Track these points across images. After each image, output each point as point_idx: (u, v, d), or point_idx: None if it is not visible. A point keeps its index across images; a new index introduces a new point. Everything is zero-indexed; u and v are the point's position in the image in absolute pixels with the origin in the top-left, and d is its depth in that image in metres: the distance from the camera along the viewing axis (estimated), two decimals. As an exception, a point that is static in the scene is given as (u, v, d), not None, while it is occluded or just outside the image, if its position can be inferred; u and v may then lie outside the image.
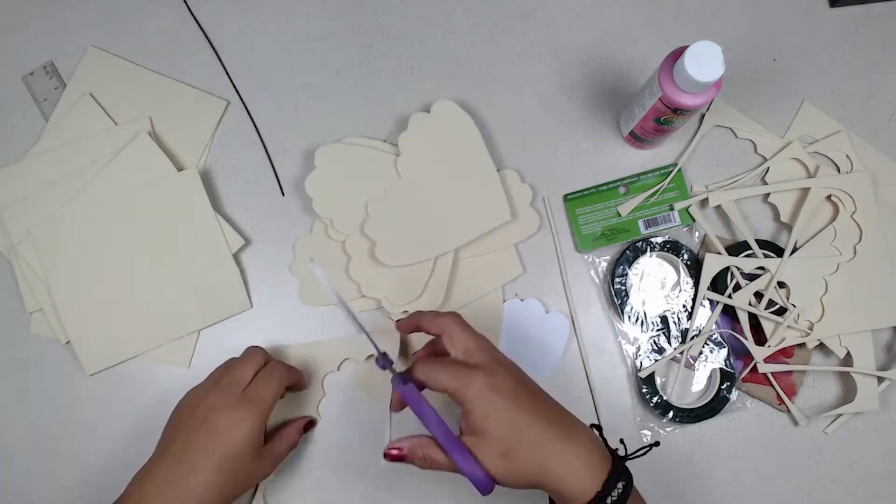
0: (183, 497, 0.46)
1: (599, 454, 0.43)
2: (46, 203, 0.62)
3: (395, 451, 0.45)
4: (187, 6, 0.66)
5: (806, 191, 0.62)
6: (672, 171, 0.62)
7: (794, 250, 0.61)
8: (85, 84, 0.64)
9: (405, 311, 0.60)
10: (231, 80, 0.65)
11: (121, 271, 0.61)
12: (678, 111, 0.53)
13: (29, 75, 0.65)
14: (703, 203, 0.63)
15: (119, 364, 0.61)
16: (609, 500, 0.42)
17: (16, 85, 0.65)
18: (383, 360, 0.47)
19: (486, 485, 0.43)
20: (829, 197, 0.62)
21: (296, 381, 0.56)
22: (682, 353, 0.60)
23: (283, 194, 0.63)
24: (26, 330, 0.62)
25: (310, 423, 0.58)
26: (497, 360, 0.46)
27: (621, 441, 0.49)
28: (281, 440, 0.54)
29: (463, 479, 0.43)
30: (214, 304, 0.61)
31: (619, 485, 0.42)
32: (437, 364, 0.45)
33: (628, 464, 0.45)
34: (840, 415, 0.60)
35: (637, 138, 0.62)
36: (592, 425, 0.47)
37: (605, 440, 0.46)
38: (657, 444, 0.50)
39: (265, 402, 0.50)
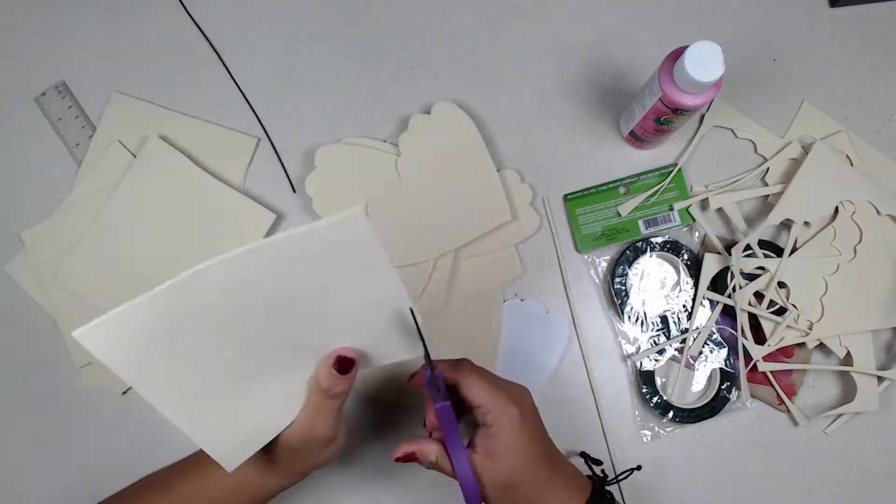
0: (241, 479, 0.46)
1: (578, 486, 0.46)
2: (80, 255, 0.62)
3: (406, 454, 0.46)
4: (184, 7, 0.66)
5: (806, 191, 0.62)
6: (672, 172, 0.62)
7: (794, 250, 0.61)
8: (112, 130, 0.64)
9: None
10: (234, 80, 0.65)
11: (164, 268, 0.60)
12: (678, 111, 0.53)
13: (41, 96, 0.65)
14: (703, 203, 0.63)
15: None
16: None
17: (28, 106, 0.65)
18: (432, 377, 0.45)
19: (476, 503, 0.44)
20: (829, 197, 0.62)
21: None
22: (681, 352, 0.60)
23: (294, 191, 0.63)
24: (77, 383, 0.62)
25: (345, 361, 0.43)
26: (530, 399, 0.47)
27: (602, 470, 0.51)
28: (308, 400, 0.45)
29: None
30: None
31: None
32: (485, 377, 0.45)
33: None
34: (840, 415, 0.60)
35: (637, 138, 0.62)
36: (581, 454, 0.50)
37: (591, 463, 0.49)
38: (639, 468, 0.53)
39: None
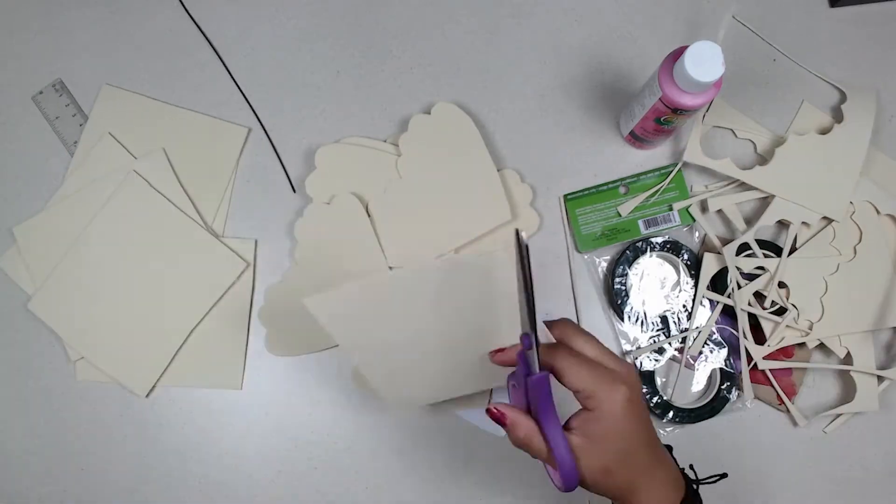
0: None
1: (676, 480, 0.45)
2: (52, 284, 0.62)
3: (498, 413, 0.44)
4: (184, 7, 0.66)
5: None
6: (672, 172, 0.62)
7: (794, 250, 0.61)
8: (103, 123, 0.64)
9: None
10: (234, 80, 0.65)
11: (135, 303, 0.62)
12: (678, 111, 0.53)
13: (38, 94, 0.64)
14: (703, 203, 0.63)
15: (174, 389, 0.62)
16: None
17: (26, 105, 0.65)
18: (528, 341, 0.44)
19: (572, 488, 0.43)
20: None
21: None
22: (681, 352, 0.60)
23: (294, 191, 0.63)
24: (73, 378, 0.62)
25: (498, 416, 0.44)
26: (636, 378, 0.45)
27: (691, 467, 0.50)
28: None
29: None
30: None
31: None
32: (582, 361, 0.43)
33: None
34: (840, 414, 0.60)
35: (637, 138, 0.62)
36: (666, 446, 0.47)
37: (675, 460, 0.47)
38: (725, 475, 0.51)
39: None
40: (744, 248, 0.61)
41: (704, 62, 0.49)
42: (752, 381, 0.60)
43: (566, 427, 0.43)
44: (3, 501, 0.60)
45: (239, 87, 0.65)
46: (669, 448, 0.47)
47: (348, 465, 0.60)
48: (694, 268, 0.61)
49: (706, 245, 0.62)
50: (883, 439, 0.61)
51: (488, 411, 0.44)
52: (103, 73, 0.65)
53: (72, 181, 0.63)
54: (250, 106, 0.65)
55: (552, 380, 0.43)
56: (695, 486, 0.46)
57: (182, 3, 0.66)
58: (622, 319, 0.61)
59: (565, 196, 0.63)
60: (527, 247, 0.43)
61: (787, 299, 0.60)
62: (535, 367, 0.42)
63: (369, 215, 0.61)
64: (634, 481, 0.43)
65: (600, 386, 0.42)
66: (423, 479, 0.60)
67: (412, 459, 0.60)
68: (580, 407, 0.43)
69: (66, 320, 0.61)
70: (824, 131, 0.63)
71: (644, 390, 0.59)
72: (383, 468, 0.60)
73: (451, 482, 0.60)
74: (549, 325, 0.45)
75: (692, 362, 0.60)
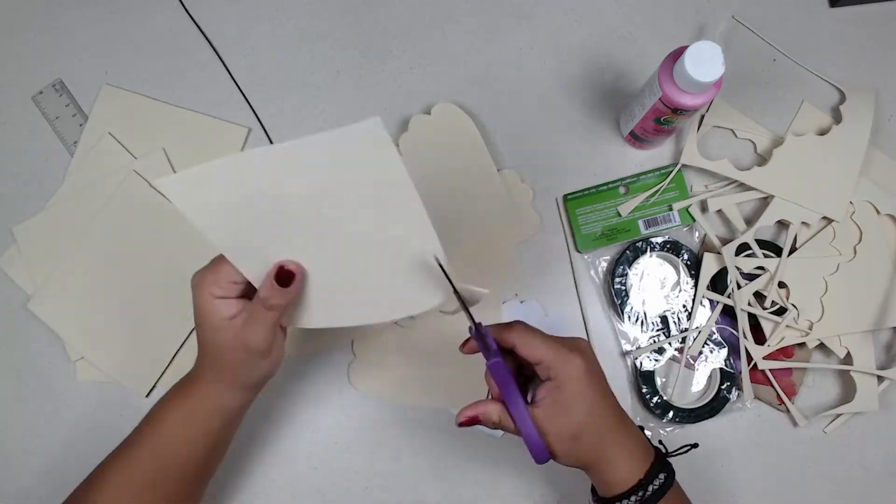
0: (190, 388, 0.48)
1: (645, 448, 0.46)
2: (52, 284, 0.62)
3: (468, 420, 0.45)
4: (184, 7, 0.66)
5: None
6: (672, 172, 0.62)
7: (794, 250, 0.61)
8: (103, 123, 0.64)
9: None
10: (234, 80, 0.65)
11: (135, 303, 0.62)
12: (678, 111, 0.53)
13: (38, 94, 0.65)
14: (703, 203, 0.62)
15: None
16: (650, 489, 0.44)
17: (26, 105, 0.65)
18: (477, 333, 0.45)
19: (543, 459, 0.45)
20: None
21: None
22: (681, 352, 0.60)
23: None
24: (73, 378, 0.62)
25: (286, 270, 0.42)
26: (590, 348, 0.47)
27: (660, 441, 0.51)
28: (247, 307, 0.44)
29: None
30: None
31: (661, 475, 0.45)
32: (537, 334, 0.45)
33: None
34: (840, 414, 0.60)
35: (637, 138, 0.62)
36: (640, 427, 0.49)
37: (648, 440, 0.48)
38: (696, 445, 0.52)
39: (211, 276, 0.44)
40: (744, 248, 0.61)
41: (704, 62, 0.49)
42: (752, 381, 0.60)
43: (533, 401, 0.45)
44: (3, 501, 0.60)
45: (239, 87, 0.65)
46: (641, 428, 0.49)
47: (348, 465, 0.60)
48: (694, 268, 0.61)
49: (706, 245, 0.62)
50: (883, 439, 0.61)
51: (460, 425, 0.46)
52: (103, 72, 0.65)
53: (72, 181, 0.63)
54: (250, 106, 0.65)
55: None
56: (663, 454, 0.48)
57: (182, 3, 0.66)
58: (622, 319, 0.61)
59: (565, 196, 0.63)
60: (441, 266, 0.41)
61: (787, 299, 0.60)
62: (488, 357, 0.44)
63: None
64: (603, 446, 0.45)
65: (557, 355, 0.44)
66: (423, 479, 0.60)
67: (412, 459, 0.60)
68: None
69: (65, 320, 0.61)
70: (824, 131, 0.63)
71: (644, 390, 0.59)
72: (383, 468, 0.60)
73: (452, 482, 0.60)
74: (503, 327, 0.46)
75: (692, 362, 0.60)
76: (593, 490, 0.48)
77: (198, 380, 0.47)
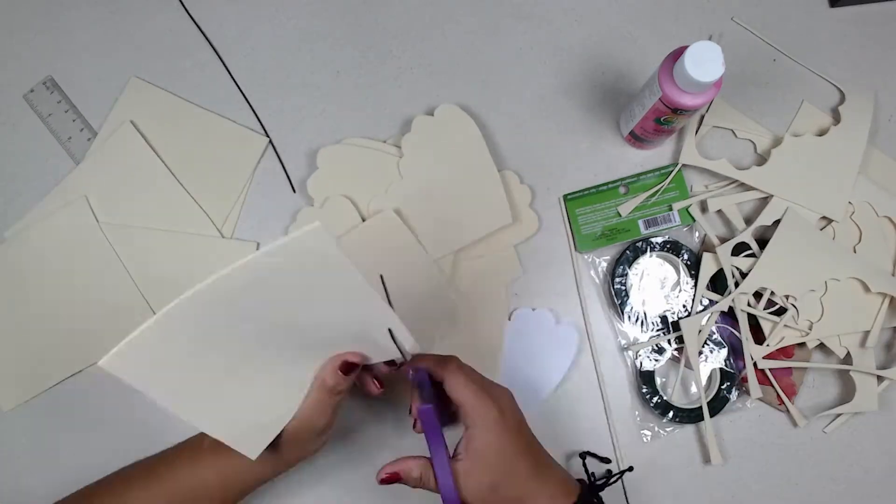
0: (230, 466, 0.47)
1: (567, 488, 0.46)
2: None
3: (389, 476, 0.46)
4: (184, 7, 0.66)
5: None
6: (672, 171, 0.62)
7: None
8: (126, 114, 0.64)
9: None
10: (234, 80, 0.65)
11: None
12: (678, 111, 0.53)
13: (30, 93, 0.64)
14: (703, 203, 0.62)
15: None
16: None
17: (18, 104, 0.64)
18: (414, 375, 0.47)
19: None
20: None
21: None
22: (681, 352, 0.60)
23: (294, 191, 0.63)
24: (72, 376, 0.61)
25: (350, 364, 0.45)
26: (510, 396, 0.48)
27: (592, 474, 0.52)
28: (313, 391, 0.46)
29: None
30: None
31: None
32: (467, 375, 0.46)
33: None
34: (839, 414, 0.60)
35: (637, 138, 0.62)
36: (583, 454, 0.51)
37: (589, 466, 0.50)
38: (631, 468, 0.54)
39: None
40: (745, 248, 0.61)
41: (704, 62, 0.49)
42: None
43: (455, 455, 0.45)
44: (3, 501, 0.60)
45: (239, 87, 0.65)
46: (585, 455, 0.52)
47: (348, 464, 0.60)
48: (694, 268, 0.61)
49: (706, 245, 0.62)
50: (883, 439, 0.61)
51: (381, 482, 0.46)
52: (102, 72, 0.65)
53: (89, 162, 0.63)
54: (250, 106, 0.65)
55: None
56: (592, 489, 0.48)
57: (182, 3, 0.66)
58: (622, 319, 0.61)
59: (565, 196, 0.63)
60: (384, 283, 0.44)
61: (787, 299, 0.60)
62: (421, 398, 0.45)
63: (364, 218, 0.61)
64: (523, 492, 0.45)
65: (476, 403, 0.45)
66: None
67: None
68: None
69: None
70: (823, 132, 0.63)
71: (644, 390, 0.59)
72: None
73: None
74: (439, 360, 0.47)
75: (692, 362, 0.60)
76: None
77: (239, 463, 0.46)
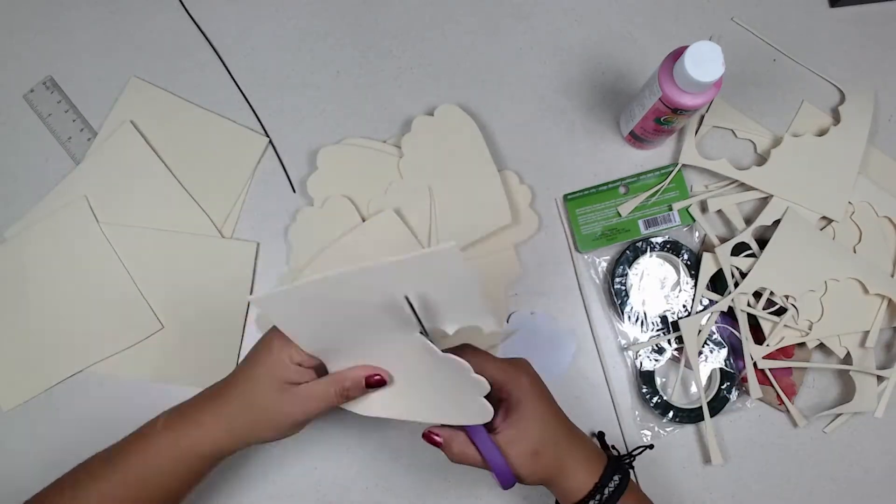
0: (193, 426, 0.47)
1: (598, 455, 0.49)
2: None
3: (436, 437, 0.48)
4: (184, 7, 0.66)
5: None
6: (672, 172, 0.62)
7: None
8: (126, 114, 0.64)
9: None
10: (234, 80, 0.65)
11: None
12: (678, 111, 0.53)
13: (30, 93, 0.64)
14: (703, 203, 0.62)
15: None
16: (606, 492, 0.47)
17: (18, 104, 0.64)
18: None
19: (510, 484, 0.47)
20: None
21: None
22: (681, 352, 0.60)
23: (294, 191, 0.63)
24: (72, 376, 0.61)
25: (376, 379, 0.46)
26: (531, 366, 0.49)
27: (613, 447, 0.53)
28: (323, 381, 0.46)
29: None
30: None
31: (616, 478, 0.47)
32: (488, 357, 0.47)
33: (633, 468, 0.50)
34: (839, 414, 0.60)
35: (637, 138, 0.62)
36: (596, 433, 0.52)
37: (605, 445, 0.51)
38: (651, 446, 0.54)
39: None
40: (745, 248, 0.61)
41: (704, 62, 0.49)
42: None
43: (492, 430, 0.47)
44: (3, 501, 0.60)
45: (239, 87, 0.65)
46: (602, 434, 0.53)
47: (348, 465, 0.60)
48: (694, 268, 0.61)
49: (706, 245, 0.62)
50: (883, 439, 0.61)
51: (424, 436, 0.48)
52: (103, 72, 0.65)
53: (89, 162, 0.63)
54: (250, 106, 0.65)
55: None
56: (620, 458, 0.50)
57: (182, 3, 0.66)
58: (622, 319, 0.61)
59: (565, 196, 0.63)
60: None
61: (787, 299, 0.60)
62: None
63: (364, 218, 0.61)
64: (560, 458, 0.47)
65: (506, 375, 0.46)
66: (422, 480, 0.60)
67: (412, 460, 0.60)
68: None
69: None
70: (823, 132, 0.63)
71: (644, 390, 0.59)
72: (383, 468, 0.60)
73: (451, 482, 0.60)
74: (453, 351, 0.47)
75: (692, 362, 0.60)
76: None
77: (204, 418, 0.47)
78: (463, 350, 0.47)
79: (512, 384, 0.46)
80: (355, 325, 0.44)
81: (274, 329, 0.46)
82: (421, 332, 0.44)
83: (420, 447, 0.60)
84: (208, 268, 0.62)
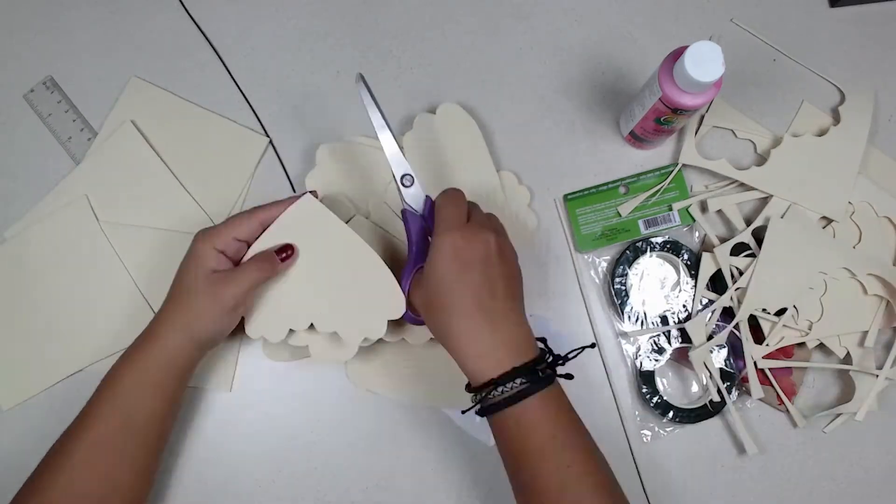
0: (145, 342, 0.51)
1: (516, 349, 0.44)
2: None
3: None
4: (184, 7, 0.66)
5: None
6: (672, 172, 0.62)
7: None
8: (126, 114, 0.64)
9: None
10: (234, 80, 0.65)
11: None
12: (678, 111, 0.53)
13: (30, 93, 0.64)
14: (703, 203, 0.62)
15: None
16: (498, 392, 0.43)
17: (18, 104, 0.64)
18: (409, 180, 0.52)
19: (409, 318, 0.52)
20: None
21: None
22: (681, 352, 0.60)
23: (294, 191, 0.63)
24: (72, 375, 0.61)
25: (288, 253, 0.52)
26: (487, 230, 0.47)
27: (551, 351, 0.47)
28: (243, 262, 0.52)
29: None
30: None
31: (518, 381, 0.43)
32: (458, 200, 0.48)
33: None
34: (839, 414, 0.60)
35: (637, 138, 0.62)
36: (539, 339, 0.47)
37: (547, 349, 0.47)
38: (594, 345, 0.52)
39: (218, 230, 0.52)
40: (745, 248, 0.61)
41: (704, 62, 0.49)
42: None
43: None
44: (3, 501, 0.60)
45: (239, 87, 0.65)
46: (543, 340, 0.47)
47: (348, 465, 0.60)
48: (694, 268, 0.61)
49: (706, 245, 0.62)
50: (883, 439, 0.61)
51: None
52: (103, 72, 0.65)
53: (89, 162, 0.63)
54: (250, 106, 0.65)
55: None
56: (553, 362, 0.46)
57: (182, 3, 0.66)
58: (622, 319, 0.61)
59: (565, 196, 0.63)
60: (363, 81, 0.51)
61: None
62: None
63: (366, 217, 0.61)
64: (450, 328, 0.45)
65: (445, 225, 0.46)
66: (422, 480, 0.60)
67: (412, 460, 0.60)
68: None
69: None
70: (823, 132, 0.63)
71: (644, 390, 0.59)
72: (383, 468, 0.60)
73: (452, 482, 0.60)
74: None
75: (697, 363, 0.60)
76: None
77: (155, 332, 0.50)
78: (445, 190, 0.49)
79: (439, 235, 0.46)
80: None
81: (197, 233, 0.52)
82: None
83: (420, 447, 0.61)
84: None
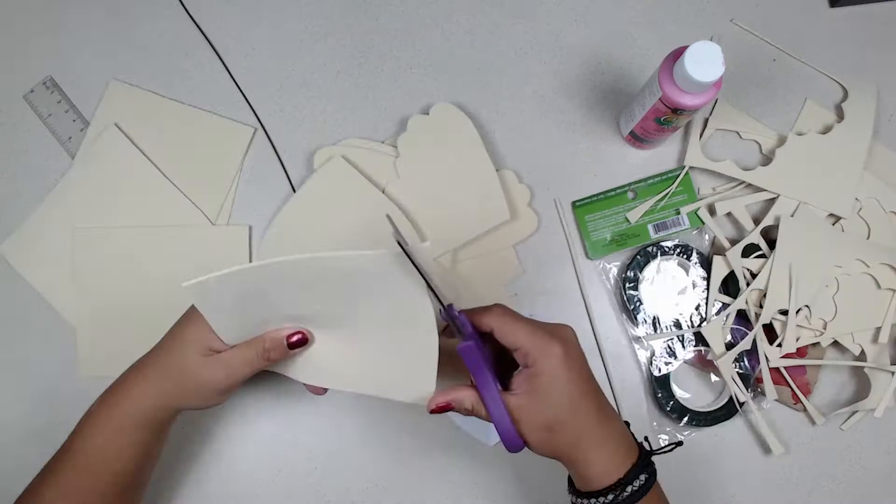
0: (122, 398, 0.47)
1: (628, 446, 0.44)
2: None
3: (439, 406, 0.45)
4: (184, 7, 0.66)
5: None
6: (680, 175, 0.62)
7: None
8: (109, 117, 0.63)
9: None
10: (234, 80, 0.65)
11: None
12: (678, 111, 0.53)
13: (30, 93, 0.64)
14: (711, 206, 0.62)
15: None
16: (629, 489, 0.42)
17: (18, 104, 0.64)
18: (448, 314, 0.44)
19: (514, 447, 0.44)
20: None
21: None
22: (696, 356, 0.60)
23: (294, 191, 0.63)
24: (73, 376, 0.61)
25: (298, 338, 0.47)
26: (573, 335, 0.45)
27: (645, 438, 0.48)
28: (245, 345, 0.47)
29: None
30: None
31: (642, 476, 0.43)
32: (518, 319, 0.44)
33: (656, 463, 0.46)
34: (856, 411, 0.59)
35: (637, 138, 0.62)
36: (626, 423, 0.47)
37: (633, 436, 0.47)
38: (681, 443, 0.50)
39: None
40: (756, 249, 0.60)
41: (704, 62, 0.49)
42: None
43: (509, 388, 0.43)
44: (3, 502, 0.60)
45: (239, 87, 0.65)
46: (627, 424, 0.47)
47: (348, 465, 0.60)
48: (706, 270, 0.60)
49: (716, 247, 0.62)
50: (883, 439, 0.60)
51: (432, 412, 0.45)
52: (103, 72, 0.65)
53: (77, 170, 0.62)
54: (250, 106, 0.65)
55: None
56: (651, 454, 0.46)
57: (182, 3, 0.66)
58: (635, 325, 0.60)
59: (574, 203, 0.63)
60: (399, 236, 0.42)
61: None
62: (459, 335, 0.44)
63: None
64: (579, 438, 0.43)
65: (535, 341, 0.43)
66: (422, 480, 0.59)
67: (411, 460, 0.60)
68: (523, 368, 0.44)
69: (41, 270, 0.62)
70: (827, 129, 0.62)
71: (659, 395, 0.59)
72: (383, 468, 0.60)
73: (452, 483, 0.59)
74: (481, 311, 0.45)
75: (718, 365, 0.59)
76: (570, 481, 0.46)
77: (133, 393, 0.47)
78: (490, 311, 0.44)
79: (539, 353, 0.42)
80: (283, 302, 0.45)
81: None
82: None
83: (420, 447, 0.60)
84: (205, 255, 0.62)
